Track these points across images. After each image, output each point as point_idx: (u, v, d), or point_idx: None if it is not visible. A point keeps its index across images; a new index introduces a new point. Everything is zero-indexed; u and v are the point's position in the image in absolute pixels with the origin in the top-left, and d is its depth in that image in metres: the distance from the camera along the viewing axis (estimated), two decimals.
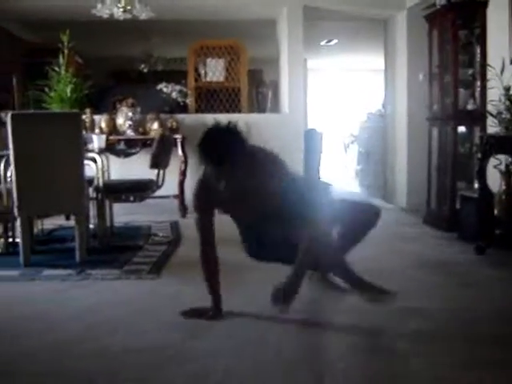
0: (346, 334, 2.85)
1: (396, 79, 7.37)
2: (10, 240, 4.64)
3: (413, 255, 4.53)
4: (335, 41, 10.86)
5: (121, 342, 2.70)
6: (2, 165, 4.42)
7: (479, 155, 4.62)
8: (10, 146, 4.05)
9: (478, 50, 5.38)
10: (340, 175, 12.24)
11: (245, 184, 2.82)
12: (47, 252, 4.75)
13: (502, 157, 4.47)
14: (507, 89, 4.36)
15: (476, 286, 3.64)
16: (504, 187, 4.48)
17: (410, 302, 3.20)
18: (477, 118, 5.35)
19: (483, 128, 5.23)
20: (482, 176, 4.52)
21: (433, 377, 2.32)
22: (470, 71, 5.54)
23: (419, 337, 2.75)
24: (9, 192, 4.38)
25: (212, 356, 2.52)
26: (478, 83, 5.38)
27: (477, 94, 5.44)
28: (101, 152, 4.96)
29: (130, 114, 6.82)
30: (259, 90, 9.46)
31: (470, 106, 5.47)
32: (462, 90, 5.48)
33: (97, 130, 6.65)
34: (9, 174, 4.29)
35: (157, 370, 2.37)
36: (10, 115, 4.08)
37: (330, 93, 14.26)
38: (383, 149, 7.86)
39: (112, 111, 6.96)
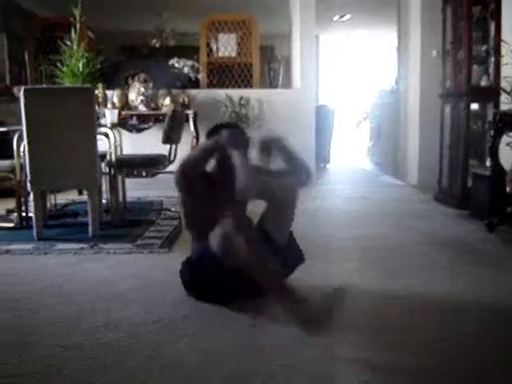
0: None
1: (409, 55, 7.31)
2: (24, 214, 4.68)
3: (424, 232, 4.53)
4: (348, 16, 10.77)
5: (133, 314, 2.73)
6: (15, 140, 4.44)
7: (492, 132, 4.60)
8: (23, 120, 4.07)
9: (493, 26, 5.32)
10: (352, 152, 12.23)
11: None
12: (60, 226, 4.79)
13: None
14: None
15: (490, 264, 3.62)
16: None
17: (419, 279, 3.23)
18: (490, 94, 5.32)
19: (496, 105, 5.21)
20: (494, 153, 4.50)
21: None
22: (484, 47, 5.50)
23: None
24: (22, 167, 4.43)
25: (218, 331, 2.55)
26: (492, 59, 5.34)
27: (490, 71, 5.40)
28: (113, 127, 4.97)
29: (142, 89, 6.84)
30: (271, 65, 9.42)
31: (483, 83, 5.43)
32: (475, 67, 5.44)
33: (109, 105, 6.67)
34: (22, 148, 4.32)
35: (168, 343, 2.40)
36: (22, 90, 4.09)
37: (343, 69, 14.18)
38: (395, 126, 7.83)
39: (124, 86, 6.97)
